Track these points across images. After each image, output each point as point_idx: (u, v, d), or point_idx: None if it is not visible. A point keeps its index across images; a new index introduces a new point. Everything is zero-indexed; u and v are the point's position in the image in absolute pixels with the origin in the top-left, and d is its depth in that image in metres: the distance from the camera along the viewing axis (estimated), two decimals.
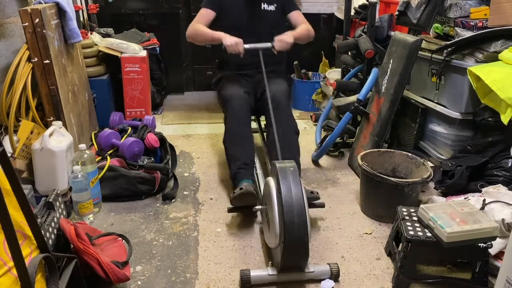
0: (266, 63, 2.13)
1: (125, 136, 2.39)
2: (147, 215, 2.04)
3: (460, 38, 2.17)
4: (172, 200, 2.17)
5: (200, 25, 2.27)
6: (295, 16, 2.41)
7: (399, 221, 1.63)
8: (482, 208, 1.64)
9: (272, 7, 2.36)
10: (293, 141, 2.12)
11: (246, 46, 2.12)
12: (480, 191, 1.84)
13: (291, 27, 2.39)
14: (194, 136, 3.09)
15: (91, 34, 3.14)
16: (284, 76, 2.45)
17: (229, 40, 2.10)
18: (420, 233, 1.52)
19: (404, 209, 1.69)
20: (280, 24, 2.41)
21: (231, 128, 2.14)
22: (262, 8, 2.34)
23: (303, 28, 2.35)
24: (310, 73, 3.86)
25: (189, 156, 2.74)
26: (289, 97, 2.27)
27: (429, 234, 1.51)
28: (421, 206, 1.59)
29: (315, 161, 2.66)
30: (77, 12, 2.84)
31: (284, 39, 2.15)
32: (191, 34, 2.29)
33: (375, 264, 1.72)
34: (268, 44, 2.16)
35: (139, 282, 1.59)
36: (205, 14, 2.31)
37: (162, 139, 2.49)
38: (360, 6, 3.25)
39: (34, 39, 2.03)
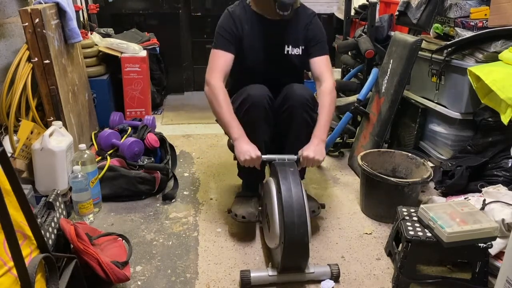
0: (281, 75, 1.86)
1: (125, 136, 2.39)
2: (147, 215, 2.04)
3: (460, 38, 2.17)
4: (172, 200, 2.17)
5: (222, 97, 1.73)
6: (320, 64, 1.86)
7: (399, 221, 1.63)
8: (482, 208, 1.64)
9: (297, 51, 1.87)
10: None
11: (265, 157, 1.69)
12: (480, 191, 1.84)
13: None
14: (194, 136, 3.09)
15: (91, 34, 3.14)
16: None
17: (244, 155, 1.64)
18: (420, 233, 1.52)
19: (404, 209, 1.69)
20: (305, 67, 1.98)
21: (243, 116, 1.75)
22: (286, 52, 1.87)
23: (327, 99, 1.78)
24: (310, 73, 3.85)
25: (189, 156, 2.74)
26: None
27: (429, 234, 1.51)
28: (421, 206, 1.59)
29: None
30: (77, 12, 2.84)
31: (315, 157, 1.67)
32: (208, 97, 1.80)
33: (375, 264, 1.72)
34: (293, 157, 1.70)
35: (139, 282, 1.59)
36: (222, 60, 1.79)
37: (162, 139, 2.49)
38: (360, 6, 3.26)
39: (34, 39, 2.03)
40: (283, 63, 1.89)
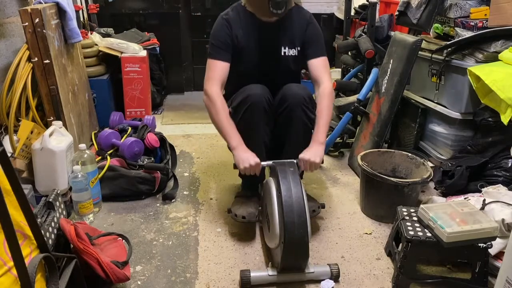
0: (279, 78, 1.86)
1: (125, 136, 2.39)
2: (147, 215, 2.04)
3: (460, 38, 2.17)
4: (172, 200, 2.17)
5: (219, 107, 1.74)
6: (317, 65, 1.86)
7: (399, 221, 1.63)
8: (482, 208, 1.64)
9: (294, 52, 1.87)
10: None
11: (264, 164, 1.69)
12: (480, 191, 1.84)
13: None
14: (194, 136, 3.09)
15: (91, 34, 3.14)
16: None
17: (244, 163, 1.65)
18: (420, 233, 1.52)
19: (404, 209, 1.69)
20: (300, 68, 2.01)
21: (241, 117, 1.75)
22: (282, 53, 1.87)
23: (325, 101, 1.79)
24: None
25: (189, 156, 2.74)
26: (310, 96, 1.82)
27: (429, 234, 1.51)
28: (421, 206, 1.59)
29: None
30: (77, 12, 2.84)
31: (314, 161, 1.67)
32: (207, 106, 1.80)
33: (375, 264, 1.72)
34: (292, 163, 1.67)
35: (139, 282, 1.59)
36: (219, 70, 1.79)
37: (162, 139, 2.49)
38: (360, 6, 3.26)
39: (34, 39, 2.03)
40: (279, 65, 1.89)
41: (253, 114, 1.73)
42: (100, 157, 2.24)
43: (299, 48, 1.88)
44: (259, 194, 1.95)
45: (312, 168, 1.70)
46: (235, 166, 1.72)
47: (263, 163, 1.69)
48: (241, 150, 1.69)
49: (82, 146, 1.98)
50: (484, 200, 1.68)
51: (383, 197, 1.96)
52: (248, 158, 1.65)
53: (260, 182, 1.96)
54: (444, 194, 2.12)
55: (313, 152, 1.69)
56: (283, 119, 1.78)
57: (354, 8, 3.33)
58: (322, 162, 1.72)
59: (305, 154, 1.68)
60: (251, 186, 1.98)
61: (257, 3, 1.82)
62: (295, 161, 1.68)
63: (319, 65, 1.87)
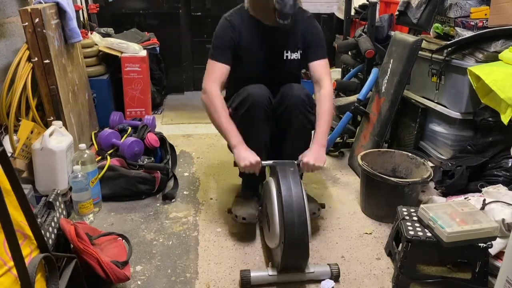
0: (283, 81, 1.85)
1: (125, 136, 2.39)
2: (147, 215, 2.04)
3: (460, 38, 2.17)
4: (172, 200, 2.17)
5: (218, 105, 1.74)
6: (318, 68, 1.88)
7: (399, 221, 1.63)
8: (482, 208, 1.64)
9: (296, 55, 1.88)
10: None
11: (264, 163, 1.70)
12: (480, 191, 1.84)
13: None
14: (194, 136, 3.09)
15: (91, 34, 3.14)
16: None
17: (244, 161, 1.65)
18: (420, 233, 1.52)
19: (404, 209, 1.69)
20: (301, 71, 2.04)
21: (242, 116, 1.75)
22: (285, 57, 1.87)
23: (326, 105, 1.80)
24: (308, 72, 3.85)
25: (189, 156, 2.74)
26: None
27: (429, 234, 1.51)
28: (421, 206, 1.59)
29: None
30: (77, 12, 2.84)
31: (315, 164, 1.68)
32: (205, 105, 1.79)
33: (375, 264, 1.72)
34: (292, 163, 1.67)
35: (139, 282, 1.59)
36: (218, 71, 1.80)
37: (162, 139, 2.49)
38: (360, 6, 3.26)
39: (34, 39, 2.03)
40: (282, 68, 1.89)
41: (253, 113, 1.73)
42: (100, 157, 2.24)
43: (301, 51, 1.89)
44: (259, 194, 1.95)
45: (314, 171, 1.71)
46: (235, 164, 1.72)
47: (263, 162, 1.69)
48: (242, 148, 1.69)
49: (82, 146, 1.98)
50: (484, 200, 1.68)
51: (383, 197, 1.96)
52: (249, 156, 1.66)
53: (260, 182, 1.96)
54: (444, 194, 2.12)
55: (315, 155, 1.70)
56: (282, 119, 1.78)
57: (354, 8, 3.33)
58: (324, 164, 1.73)
59: (308, 158, 1.69)
60: (251, 186, 1.98)
61: (263, 12, 1.80)
62: (296, 162, 1.68)
63: (320, 68, 1.88)
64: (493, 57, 2.05)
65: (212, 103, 1.75)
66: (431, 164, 2.28)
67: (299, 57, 1.90)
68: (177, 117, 3.51)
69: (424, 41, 2.34)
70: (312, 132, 1.82)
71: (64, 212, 1.55)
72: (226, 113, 1.75)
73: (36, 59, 2.05)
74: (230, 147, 1.77)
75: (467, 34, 2.15)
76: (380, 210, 2.00)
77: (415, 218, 1.62)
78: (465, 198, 1.81)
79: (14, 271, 1.03)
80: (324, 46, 1.92)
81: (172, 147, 2.53)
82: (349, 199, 2.22)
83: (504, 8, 2.04)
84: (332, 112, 1.84)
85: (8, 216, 0.95)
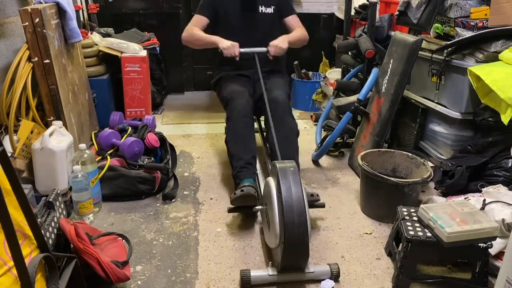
0: (264, 62, 2.21)
1: (125, 136, 2.39)
2: (147, 215, 2.04)
3: (460, 38, 2.17)
4: (172, 200, 2.17)
5: (195, 29, 2.30)
6: (292, 20, 2.42)
7: (399, 221, 1.63)
8: (482, 208, 1.64)
9: (269, 10, 2.37)
10: (292, 142, 2.10)
11: (242, 50, 2.18)
12: (480, 191, 1.84)
13: (286, 31, 2.41)
14: (194, 136, 3.09)
15: (91, 33, 3.14)
16: (282, 75, 2.44)
17: (225, 43, 2.15)
18: (420, 233, 1.52)
19: (404, 209, 1.69)
20: (277, 27, 2.41)
21: (233, 128, 2.12)
22: (260, 11, 2.35)
23: (298, 32, 2.37)
24: (310, 73, 3.86)
25: (189, 156, 2.74)
26: (288, 97, 2.25)
27: (429, 234, 1.51)
28: (421, 206, 1.59)
29: (315, 161, 2.66)
30: (77, 11, 2.84)
31: (279, 45, 2.19)
32: (187, 38, 2.33)
33: (375, 264, 1.72)
34: (264, 49, 2.21)
35: (139, 282, 1.59)
36: (198, 20, 2.33)
37: (162, 139, 2.49)
38: (360, 6, 3.25)
39: (34, 39, 2.03)
40: (258, 21, 2.36)
41: (240, 125, 2.10)
42: (100, 157, 2.24)
43: (274, 7, 2.38)
44: (257, 193, 1.94)
45: (278, 51, 2.19)
46: (220, 52, 2.18)
47: (241, 50, 2.17)
48: (223, 40, 2.19)
49: (82, 146, 1.98)
50: (484, 200, 1.68)
51: (383, 197, 1.96)
52: (228, 41, 2.16)
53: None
54: (444, 194, 2.12)
55: (280, 40, 2.21)
56: (273, 123, 1.98)
57: (354, 8, 3.33)
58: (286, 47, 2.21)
59: (275, 42, 2.19)
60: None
61: None
62: (266, 49, 2.19)
63: (293, 21, 2.43)
64: (493, 57, 2.05)
65: (192, 33, 2.30)
66: (431, 164, 2.28)
67: (272, 11, 2.38)
68: (177, 117, 3.51)
69: (424, 41, 2.34)
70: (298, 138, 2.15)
71: (64, 212, 1.55)
72: (204, 33, 2.28)
73: (36, 59, 2.05)
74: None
75: (467, 34, 2.15)
76: (380, 210, 2.00)
77: (415, 218, 1.62)
78: (465, 198, 1.81)
79: (14, 271, 1.03)
80: (292, 5, 2.54)
81: (172, 147, 2.53)
82: (349, 199, 2.22)
83: (504, 8, 2.04)
84: (302, 37, 2.38)
85: (8, 216, 0.95)
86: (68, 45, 2.42)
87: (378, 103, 2.47)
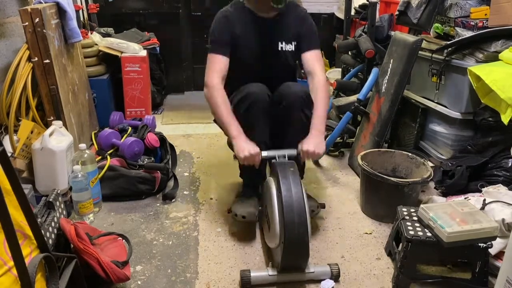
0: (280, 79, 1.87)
1: (125, 135, 2.39)
2: (147, 215, 2.04)
3: (460, 38, 2.17)
4: (172, 200, 2.17)
5: (220, 98, 1.76)
6: (311, 59, 1.90)
7: (399, 221, 1.63)
8: (482, 208, 1.64)
9: (290, 47, 1.91)
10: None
11: (265, 154, 1.69)
12: (480, 191, 1.84)
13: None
14: (194, 136, 3.09)
15: (91, 33, 3.14)
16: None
17: (243, 151, 1.63)
18: (420, 233, 1.52)
19: (404, 209, 1.69)
20: (297, 64, 2.04)
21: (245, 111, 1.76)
22: (280, 48, 1.90)
23: (321, 97, 1.80)
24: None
25: (189, 156, 2.74)
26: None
27: (429, 234, 1.51)
28: (421, 206, 1.59)
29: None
30: (77, 11, 2.84)
31: (316, 151, 1.66)
32: (207, 97, 1.83)
33: (375, 264, 1.72)
34: (293, 152, 1.70)
35: (139, 282, 1.59)
36: (217, 62, 1.82)
37: (162, 138, 2.49)
38: (360, 6, 3.26)
39: (34, 39, 2.03)
40: (277, 60, 1.92)
41: (254, 110, 1.74)
42: (100, 157, 2.24)
43: (295, 43, 1.92)
44: (259, 194, 1.95)
45: (315, 159, 1.71)
46: (235, 157, 1.71)
47: (263, 153, 1.68)
48: (242, 140, 1.68)
49: (82, 146, 1.98)
50: (484, 200, 1.68)
51: (383, 197, 1.96)
52: (249, 147, 1.65)
53: (260, 182, 1.96)
54: (444, 194, 2.12)
55: (315, 142, 1.68)
56: (281, 117, 1.79)
57: (354, 8, 3.33)
58: (323, 152, 1.72)
59: (308, 145, 1.67)
60: (252, 186, 1.98)
61: (257, 1, 1.85)
62: (295, 151, 1.70)
63: (313, 58, 1.90)
64: (493, 57, 2.04)
65: (214, 96, 1.77)
66: (431, 164, 2.28)
67: (293, 49, 1.92)
68: (177, 117, 3.51)
69: (424, 41, 2.34)
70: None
71: (64, 212, 1.55)
72: (227, 106, 1.75)
73: (36, 59, 2.05)
74: (229, 143, 1.77)
75: (467, 34, 2.15)
76: (380, 210, 2.00)
77: (415, 218, 1.62)
78: (465, 198, 1.81)
79: (14, 271, 1.03)
80: (317, 39, 1.94)
81: (172, 147, 2.53)
82: (349, 199, 2.22)
83: (504, 8, 2.04)
84: (327, 100, 1.84)
85: (8, 216, 0.95)
86: (68, 45, 2.42)
87: (378, 103, 2.47)
